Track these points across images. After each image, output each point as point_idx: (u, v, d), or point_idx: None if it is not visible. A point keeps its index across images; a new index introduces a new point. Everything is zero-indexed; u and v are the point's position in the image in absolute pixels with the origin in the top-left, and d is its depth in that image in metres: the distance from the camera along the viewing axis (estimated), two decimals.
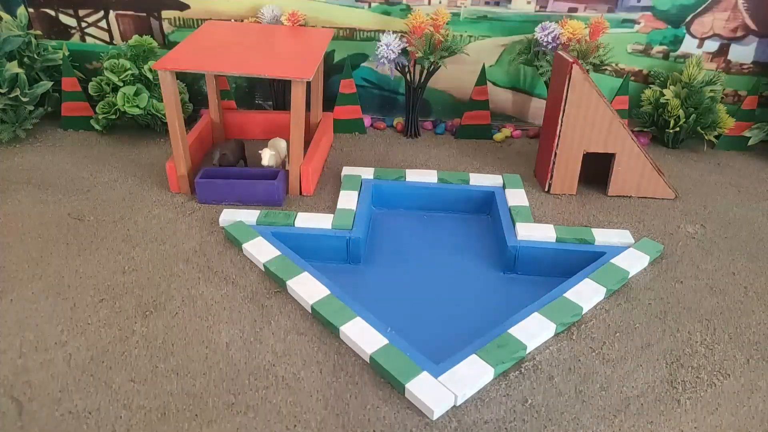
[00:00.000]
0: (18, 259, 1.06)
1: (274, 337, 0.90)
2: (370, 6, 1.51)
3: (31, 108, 1.46)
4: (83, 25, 1.56)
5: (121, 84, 1.42)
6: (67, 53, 1.52)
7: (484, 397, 0.81)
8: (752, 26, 1.50)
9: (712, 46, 1.53)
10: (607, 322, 0.95)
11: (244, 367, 0.85)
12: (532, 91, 1.60)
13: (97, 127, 1.48)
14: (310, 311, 0.94)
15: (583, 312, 0.96)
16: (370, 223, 1.22)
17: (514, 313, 0.93)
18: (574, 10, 1.50)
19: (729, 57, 1.54)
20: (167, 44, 1.57)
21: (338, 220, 1.14)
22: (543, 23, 1.43)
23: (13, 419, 0.76)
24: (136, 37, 1.47)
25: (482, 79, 1.51)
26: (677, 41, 1.53)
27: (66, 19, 1.56)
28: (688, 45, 1.53)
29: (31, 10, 1.53)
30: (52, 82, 1.49)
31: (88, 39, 1.58)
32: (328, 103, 1.54)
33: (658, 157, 1.49)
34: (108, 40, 1.58)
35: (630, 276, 1.04)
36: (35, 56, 1.48)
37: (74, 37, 1.58)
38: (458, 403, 0.79)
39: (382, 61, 1.39)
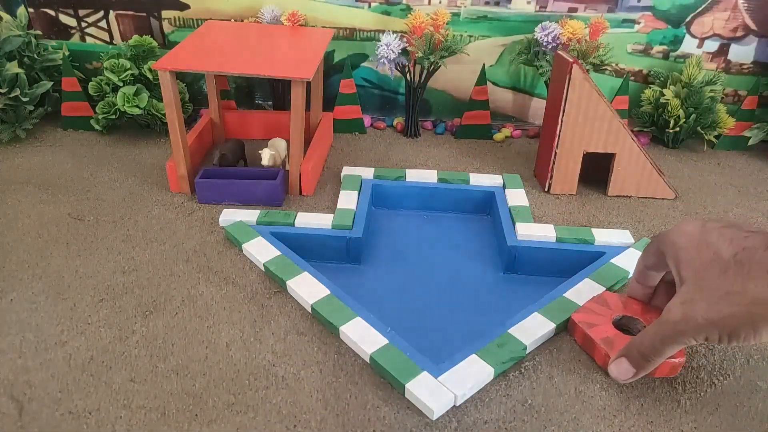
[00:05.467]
0: (18, 259, 1.06)
1: (274, 337, 0.90)
2: (370, 6, 1.51)
3: (31, 108, 1.46)
4: (83, 25, 1.56)
5: (121, 84, 1.42)
6: (67, 53, 1.52)
7: (484, 397, 0.81)
8: (752, 26, 1.50)
9: (712, 46, 1.53)
10: None
11: (244, 367, 0.85)
12: (532, 91, 1.60)
13: (97, 127, 1.48)
14: (310, 311, 0.94)
15: None
16: (370, 223, 1.22)
17: (514, 313, 0.93)
18: (574, 10, 1.50)
19: (729, 57, 1.54)
20: (167, 44, 1.57)
21: (338, 219, 1.14)
22: (543, 23, 1.43)
23: (13, 419, 0.76)
24: (136, 37, 1.47)
25: (482, 79, 1.51)
26: (677, 41, 1.53)
27: (66, 19, 1.56)
28: (688, 45, 1.53)
29: (31, 10, 1.53)
30: (52, 82, 1.49)
31: (88, 39, 1.58)
32: (328, 103, 1.54)
33: (658, 157, 1.49)
34: (108, 40, 1.58)
35: (630, 276, 1.04)
36: (35, 56, 1.48)
37: (74, 37, 1.58)
38: (458, 403, 0.79)
39: (382, 61, 1.39)
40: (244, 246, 1.07)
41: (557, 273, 1.08)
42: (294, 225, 1.14)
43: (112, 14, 1.55)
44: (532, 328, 0.90)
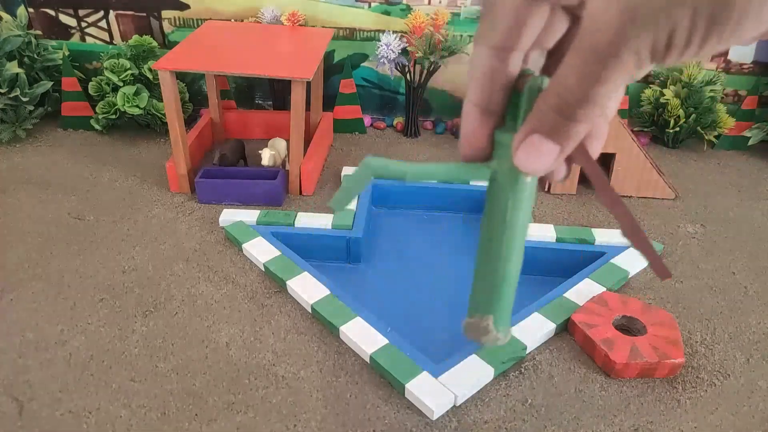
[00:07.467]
0: (18, 259, 1.06)
1: (274, 337, 0.90)
2: (370, 6, 1.51)
3: (31, 108, 1.46)
4: (83, 25, 1.56)
5: (121, 84, 1.42)
6: (67, 53, 1.52)
7: (484, 397, 0.81)
8: None
9: None
10: None
11: (244, 366, 0.85)
12: None
13: (97, 127, 1.48)
14: (310, 311, 0.95)
15: None
16: (370, 223, 1.22)
17: (514, 313, 0.93)
18: None
19: (729, 57, 1.54)
20: (167, 44, 1.57)
21: (338, 219, 1.14)
22: None
23: (13, 419, 0.76)
24: (136, 37, 1.47)
25: None
26: None
27: (66, 19, 1.56)
28: None
29: (31, 10, 1.53)
30: (52, 82, 1.49)
31: (88, 39, 1.58)
32: (328, 103, 1.54)
33: (658, 157, 1.49)
34: (108, 40, 1.58)
35: (630, 276, 1.04)
36: (35, 56, 1.48)
37: (74, 37, 1.58)
38: (458, 403, 0.79)
39: (382, 61, 1.40)
40: (244, 246, 1.07)
41: (557, 273, 1.08)
42: (294, 225, 1.14)
43: (112, 14, 1.55)
44: (532, 328, 0.90)
